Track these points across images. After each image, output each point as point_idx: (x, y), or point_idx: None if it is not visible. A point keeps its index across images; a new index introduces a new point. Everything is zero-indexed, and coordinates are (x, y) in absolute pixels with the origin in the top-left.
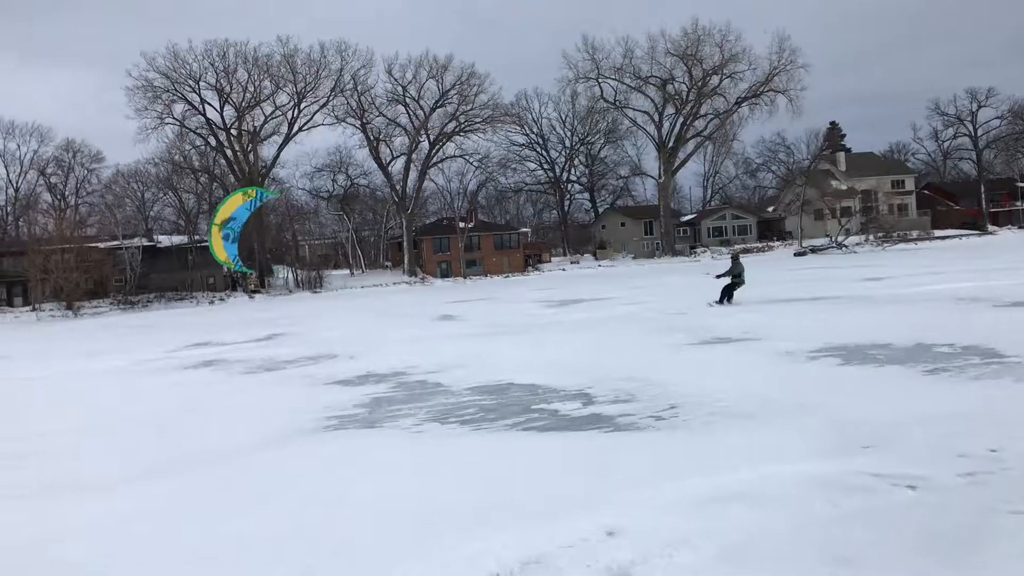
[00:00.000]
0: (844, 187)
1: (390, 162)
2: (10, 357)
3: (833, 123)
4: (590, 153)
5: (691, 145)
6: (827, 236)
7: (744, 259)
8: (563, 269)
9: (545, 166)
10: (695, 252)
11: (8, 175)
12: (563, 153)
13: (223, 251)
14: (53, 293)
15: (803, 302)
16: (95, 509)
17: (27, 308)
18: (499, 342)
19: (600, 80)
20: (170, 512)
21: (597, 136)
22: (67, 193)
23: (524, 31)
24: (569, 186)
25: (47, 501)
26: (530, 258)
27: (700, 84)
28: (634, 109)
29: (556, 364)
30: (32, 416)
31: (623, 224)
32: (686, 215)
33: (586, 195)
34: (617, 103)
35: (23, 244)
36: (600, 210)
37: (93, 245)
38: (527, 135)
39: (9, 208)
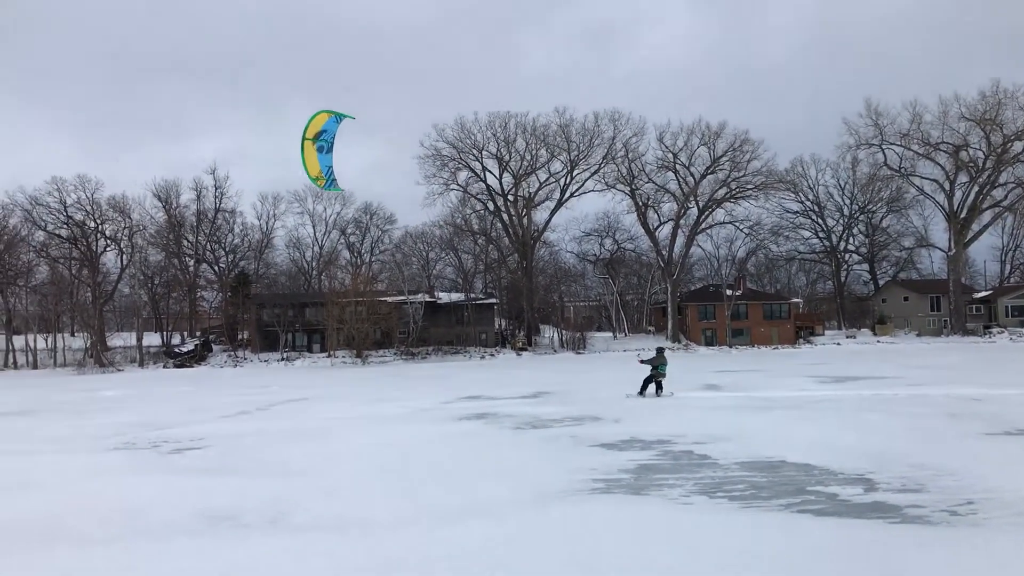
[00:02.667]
0: None
1: (657, 227)
2: (309, 400)
3: None
4: (870, 222)
5: (987, 216)
6: None
7: None
8: (837, 343)
9: (820, 234)
10: (989, 332)
11: (315, 234)
12: (840, 221)
13: (316, 164)
14: (346, 341)
15: None
16: (391, 546)
17: (323, 354)
18: (769, 416)
19: (884, 146)
20: (450, 557)
21: (879, 204)
22: (363, 251)
23: (803, 97)
24: (846, 256)
25: (342, 535)
26: (801, 330)
27: (999, 150)
28: (921, 176)
29: (832, 444)
30: (329, 454)
31: (906, 298)
32: (980, 291)
33: (865, 266)
34: (902, 170)
35: (324, 296)
36: (880, 283)
37: (382, 299)
38: (802, 202)
39: (314, 263)
